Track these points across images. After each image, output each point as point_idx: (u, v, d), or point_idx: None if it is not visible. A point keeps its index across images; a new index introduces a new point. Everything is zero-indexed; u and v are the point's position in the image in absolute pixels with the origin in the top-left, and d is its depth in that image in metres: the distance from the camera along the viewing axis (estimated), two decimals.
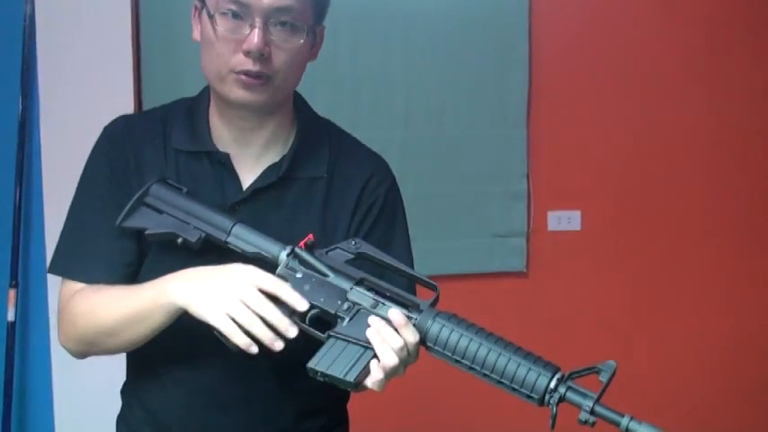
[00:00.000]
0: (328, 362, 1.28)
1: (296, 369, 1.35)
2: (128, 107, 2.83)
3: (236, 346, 1.29)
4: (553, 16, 3.27)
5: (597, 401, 1.20)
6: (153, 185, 1.43)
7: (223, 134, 1.47)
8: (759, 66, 3.43)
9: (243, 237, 1.38)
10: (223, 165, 1.46)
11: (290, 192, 1.47)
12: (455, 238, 3.22)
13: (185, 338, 1.40)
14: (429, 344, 1.28)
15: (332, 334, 1.30)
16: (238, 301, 1.28)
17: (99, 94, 2.81)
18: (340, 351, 1.29)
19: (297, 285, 1.33)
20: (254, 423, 1.50)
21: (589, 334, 3.39)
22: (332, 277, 1.33)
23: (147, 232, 1.42)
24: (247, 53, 1.34)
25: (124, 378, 1.61)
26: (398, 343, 1.26)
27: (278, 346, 1.28)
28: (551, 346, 3.24)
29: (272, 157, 1.48)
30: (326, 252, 1.37)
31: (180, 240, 1.39)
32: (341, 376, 1.26)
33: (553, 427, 1.21)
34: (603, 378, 1.21)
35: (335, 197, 1.49)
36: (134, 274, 1.45)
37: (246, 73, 1.36)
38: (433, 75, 3.18)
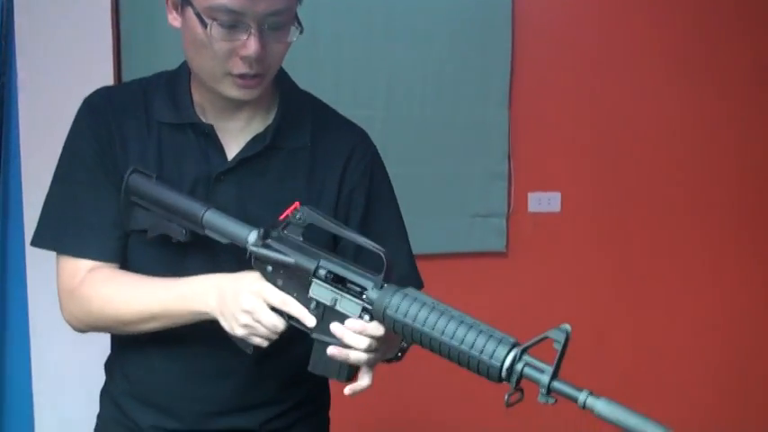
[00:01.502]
0: (322, 364, 1.35)
1: (277, 342, 1.39)
2: (107, 81, 2.81)
3: (251, 347, 1.38)
4: None
5: (554, 377, 1.15)
6: (129, 179, 1.44)
7: (206, 108, 1.48)
8: (739, 51, 3.44)
9: (215, 228, 1.40)
10: (207, 136, 1.47)
11: (274, 161, 1.48)
12: (435, 217, 3.23)
13: None
14: (387, 325, 1.28)
15: (313, 336, 1.35)
16: (257, 323, 1.33)
17: (78, 68, 2.79)
18: (325, 352, 1.33)
19: (271, 281, 1.36)
20: (236, 394, 1.52)
21: (568, 315, 3.36)
22: (294, 265, 1.35)
23: (148, 236, 1.45)
24: (245, 58, 1.36)
25: (104, 352, 1.61)
26: (363, 344, 1.29)
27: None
28: (530, 327, 3.27)
29: (256, 127, 1.49)
30: (283, 229, 1.38)
31: (174, 240, 1.43)
32: (335, 377, 1.36)
33: (509, 405, 1.17)
34: (558, 346, 1.15)
35: (320, 166, 1.51)
36: (124, 247, 1.48)
37: (244, 76, 1.38)
38: (414, 55, 3.17)
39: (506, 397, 1.16)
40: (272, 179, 1.48)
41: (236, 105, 1.47)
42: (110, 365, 1.61)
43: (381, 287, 1.29)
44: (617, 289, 3.46)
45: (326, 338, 1.32)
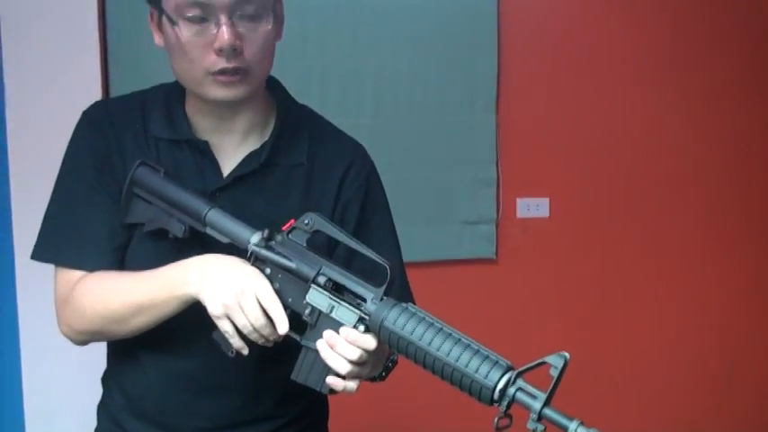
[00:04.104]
0: (306, 372, 1.35)
1: (275, 357, 1.40)
2: (96, 94, 2.81)
3: (232, 349, 1.35)
4: (522, 2, 3.28)
5: (546, 403, 1.14)
6: (137, 170, 1.43)
7: (201, 123, 1.47)
8: (730, 52, 3.46)
9: (217, 226, 1.39)
10: (203, 152, 1.46)
11: (270, 178, 1.48)
12: (425, 224, 3.23)
13: (168, 326, 1.41)
14: (382, 337, 1.28)
15: (303, 343, 1.35)
16: (238, 307, 1.31)
17: (66, 81, 2.79)
18: (313, 360, 1.34)
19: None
20: (234, 409, 1.52)
21: (558, 320, 3.42)
22: (295, 270, 1.35)
23: (145, 229, 1.44)
24: (219, 51, 1.34)
25: (97, 367, 1.61)
26: (353, 355, 1.29)
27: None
28: (520, 333, 3.30)
29: (252, 143, 1.48)
30: (287, 234, 1.37)
31: (171, 235, 1.42)
32: (317, 388, 1.34)
33: (497, 429, 1.16)
34: (554, 373, 1.13)
35: (316, 184, 1.50)
36: (121, 258, 1.47)
37: (223, 71, 1.36)
38: (401, 61, 3.17)
39: (496, 420, 1.16)
40: (268, 196, 1.47)
41: (229, 118, 1.46)
42: (106, 380, 1.60)
43: (381, 299, 1.29)
44: (606, 294, 3.47)
45: (315, 346, 1.32)
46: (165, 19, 1.37)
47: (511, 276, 3.38)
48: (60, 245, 1.46)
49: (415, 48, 3.18)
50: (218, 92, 1.39)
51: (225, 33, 1.33)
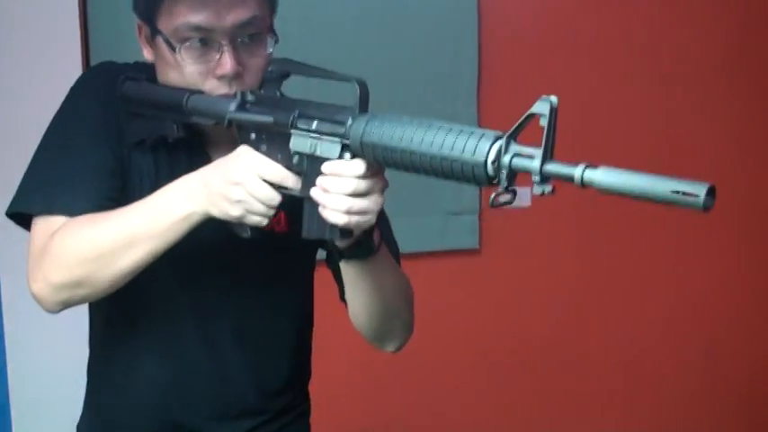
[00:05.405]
0: (315, 227, 1.24)
1: (260, 351, 1.43)
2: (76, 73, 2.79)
3: (248, 229, 1.27)
4: None
5: (545, 158, 1.01)
6: (123, 86, 1.39)
7: None
8: (710, 42, 3.48)
9: (199, 110, 1.32)
10: (199, 153, 1.43)
11: None
12: (407, 216, 3.21)
13: (141, 332, 1.43)
14: (367, 156, 1.19)
15: (299, 194, 1.26)
16: (252, 198, 1.22)
17: (47, 79, 2.76)
18: (315, 211, 1.23)
19: (255, 148, 1.27)
20: (219, 405, 1.52)
21: (542, 309, 3.43)
22: (273, 123, 1.26)
23: (147, 143, 1.38)
24: (221, 78, 1.32)
25: (78, 361, 1.62)
26: (346, 188, 1.18)
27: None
28: (505, 323, 3.31)
29: None
30: (260, 89, 1.32)
31: (170, 140, 1.37)
32: (326, 237, 1.24)
33: (493, 205, 1.04)
34: (544, 122, 1.01)
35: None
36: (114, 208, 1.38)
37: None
38: (381, 53, 3.17)
39: (492, 196, 1.04)
40: None
41: None
42: (90, 373, 1.60)
43: (353, 119, 1.20)
44: (589, 282, 3.49)
45: (311, 195, 1.23)
46: (161, 40, 1.33)
47: (495, 266, 3.39)
48: (50, 193, 1.35)
49: (395, 41, 3.18)
50: None
51: (228, 61, 1.30)
